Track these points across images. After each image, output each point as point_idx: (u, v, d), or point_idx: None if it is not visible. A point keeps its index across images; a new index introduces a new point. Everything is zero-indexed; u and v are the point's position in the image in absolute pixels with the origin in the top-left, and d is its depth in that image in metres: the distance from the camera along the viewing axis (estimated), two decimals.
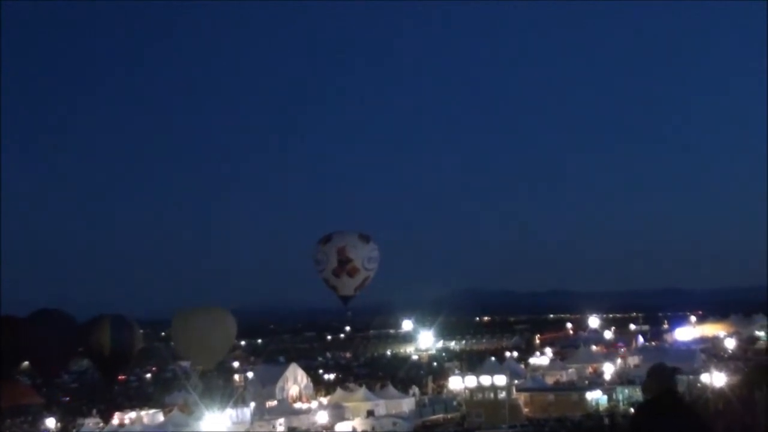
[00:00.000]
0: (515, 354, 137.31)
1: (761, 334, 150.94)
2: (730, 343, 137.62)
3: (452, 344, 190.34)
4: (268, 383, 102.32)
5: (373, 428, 79.98)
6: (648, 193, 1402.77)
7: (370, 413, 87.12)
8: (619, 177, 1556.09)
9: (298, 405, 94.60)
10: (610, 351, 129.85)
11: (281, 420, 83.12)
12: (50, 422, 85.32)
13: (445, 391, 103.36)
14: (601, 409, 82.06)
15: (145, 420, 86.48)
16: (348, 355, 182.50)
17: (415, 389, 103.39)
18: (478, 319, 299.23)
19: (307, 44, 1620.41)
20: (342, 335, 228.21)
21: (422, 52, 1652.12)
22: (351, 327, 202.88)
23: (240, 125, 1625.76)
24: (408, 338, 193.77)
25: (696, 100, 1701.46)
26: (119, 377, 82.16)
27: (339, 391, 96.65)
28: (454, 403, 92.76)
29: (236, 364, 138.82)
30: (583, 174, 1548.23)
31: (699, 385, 74.67)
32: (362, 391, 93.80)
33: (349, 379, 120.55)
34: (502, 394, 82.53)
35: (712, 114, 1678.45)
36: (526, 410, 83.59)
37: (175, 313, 34.71)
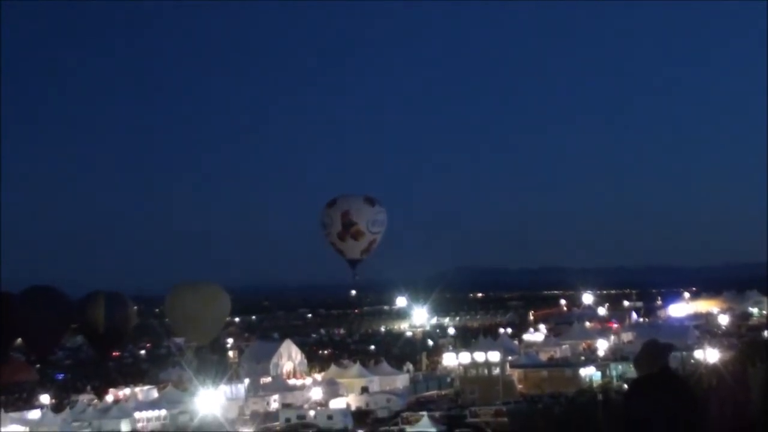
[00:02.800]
0: (509, 330, 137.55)
1: (754, 310, 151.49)
2: (724, 320, 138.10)
3: (446, 321, 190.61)
4: (262, 360, 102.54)
5: (367, 404, 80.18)
6: (642, 169, 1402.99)
7: (364, 389, 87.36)
8: (613, 153, 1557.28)
9: (292, 381, 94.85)
10: (603, 327, 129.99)
11: (275, 396, 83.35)
12: (44, 398, 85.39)
13: (439, 367, 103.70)
14: (594, 385, 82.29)
15: (140, 396, 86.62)
16: (342, 331, 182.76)
17: (409, 366, 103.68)
18: (472, 295, 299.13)
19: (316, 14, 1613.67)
20: (340, 311, 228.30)
21: (429, 26, 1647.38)
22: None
23: (233, 97, 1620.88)
24: (402, 315, 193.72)
25: (689, 77, 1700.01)
26: (113, 354, 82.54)
27: (333, 368, 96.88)
28: (448, 379, 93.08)
29: (230, 340, 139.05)
30: (575, 151, 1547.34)
31: (692, 361, 74.99)
32: (356, 368, 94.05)
33: (344, 355, 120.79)
34: (496, 371, 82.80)
35: (705, 90, 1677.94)
36: (520, 386, 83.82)
37: (170, 290, 34.63)
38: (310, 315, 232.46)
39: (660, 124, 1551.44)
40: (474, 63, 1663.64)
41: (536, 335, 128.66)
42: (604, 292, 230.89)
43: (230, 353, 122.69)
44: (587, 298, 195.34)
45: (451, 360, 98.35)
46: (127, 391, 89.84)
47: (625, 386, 74.25)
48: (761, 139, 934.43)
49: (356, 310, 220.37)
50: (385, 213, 37.26)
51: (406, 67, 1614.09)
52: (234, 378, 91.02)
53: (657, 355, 8.99)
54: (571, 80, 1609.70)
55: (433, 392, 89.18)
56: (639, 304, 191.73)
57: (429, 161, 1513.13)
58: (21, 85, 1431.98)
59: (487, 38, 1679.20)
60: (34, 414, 76.12)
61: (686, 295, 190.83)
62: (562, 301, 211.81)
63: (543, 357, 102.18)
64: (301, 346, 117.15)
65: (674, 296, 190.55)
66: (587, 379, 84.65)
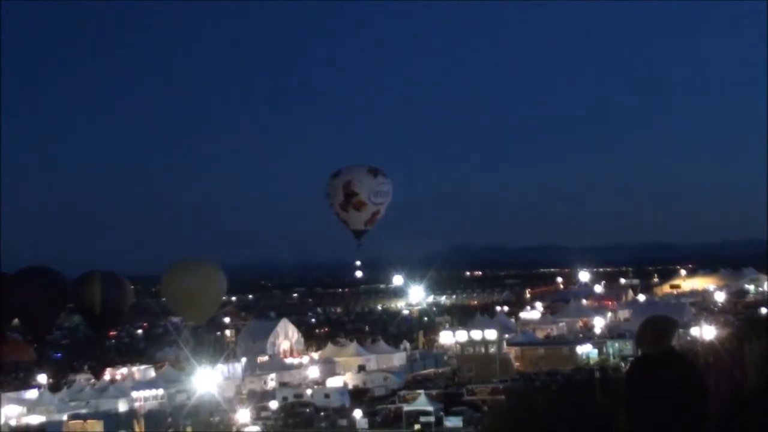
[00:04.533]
0: (506, 308, 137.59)
1: (751, 287, 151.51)
2: (720, 297, 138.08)
3: (443, 299, 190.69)
4: (259, 338, 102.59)
5: (364, 383, 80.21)
6: (638, 146, 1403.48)
7: (361, 368, 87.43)
8: (609, 130, 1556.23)
9: (289, 360, 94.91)
10: (600, 305, 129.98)
11: (272, 375, 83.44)
12: (41, 378, 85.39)
13: (435, 345, 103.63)
14: (591, 362, 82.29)
15: (137, 376, 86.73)
16: (339, 310, 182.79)
17: (406, 344, 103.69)
18: (468, 273, 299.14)
19: None
20: (337, 290, 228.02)
21: (432, 20, 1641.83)
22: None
23: (231, 70, 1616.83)
24: (399, 293, 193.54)
25: (690, 56, 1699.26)
26: (110, 333, 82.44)
27: (330, 346, 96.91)
28: (445, 357, 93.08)
29: (227, 319, 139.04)
30: (573, 128, 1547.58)
31: (689, 338, 75.02)
32: (353, 346, 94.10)
33: (340, 334, 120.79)
34: (493, 349, 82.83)
35: (703, 67, 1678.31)
36: (516, 364, 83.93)
37: (166, 269, 34.52)
38: (305, 294, 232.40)
39: (657, 102, 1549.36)
40: (475, 43, 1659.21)
41: (533, 313, 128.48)
42: (601, 269, 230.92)
43: (227, 332, 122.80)
44: (584, 275, 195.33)
45: (447, 338, 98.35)
46: (124, 370, 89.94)
47: (622, 364, 74.42)
48: (760, 117, 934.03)
49: (347, 289, 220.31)
50: (389, 184, 36.85)
51: (407, 46, 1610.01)
52: (231, 357, 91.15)
53: (661, 335, 8.59)
54: (570, 63, 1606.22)
55: (430, 370, 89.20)
56: (636, 281, 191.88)
57: (426, 139, 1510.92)
58: (17, 72, 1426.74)
59: (484, 25, 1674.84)
60: (32, 394, 76.23)
61: (683, 272, 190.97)
62: (559, 279, 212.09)
63: (539, 335, 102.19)
64: (298, 325, 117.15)
65: (671, 273, 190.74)
66: (584, 357, 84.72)
